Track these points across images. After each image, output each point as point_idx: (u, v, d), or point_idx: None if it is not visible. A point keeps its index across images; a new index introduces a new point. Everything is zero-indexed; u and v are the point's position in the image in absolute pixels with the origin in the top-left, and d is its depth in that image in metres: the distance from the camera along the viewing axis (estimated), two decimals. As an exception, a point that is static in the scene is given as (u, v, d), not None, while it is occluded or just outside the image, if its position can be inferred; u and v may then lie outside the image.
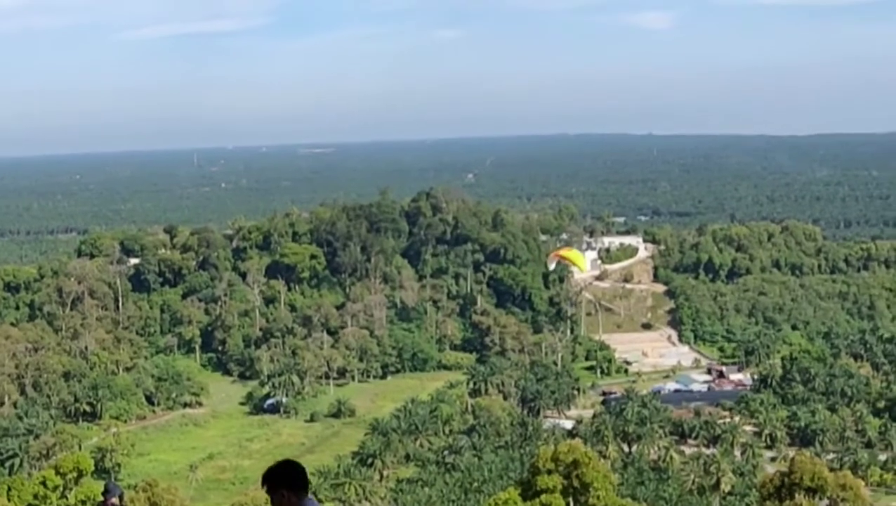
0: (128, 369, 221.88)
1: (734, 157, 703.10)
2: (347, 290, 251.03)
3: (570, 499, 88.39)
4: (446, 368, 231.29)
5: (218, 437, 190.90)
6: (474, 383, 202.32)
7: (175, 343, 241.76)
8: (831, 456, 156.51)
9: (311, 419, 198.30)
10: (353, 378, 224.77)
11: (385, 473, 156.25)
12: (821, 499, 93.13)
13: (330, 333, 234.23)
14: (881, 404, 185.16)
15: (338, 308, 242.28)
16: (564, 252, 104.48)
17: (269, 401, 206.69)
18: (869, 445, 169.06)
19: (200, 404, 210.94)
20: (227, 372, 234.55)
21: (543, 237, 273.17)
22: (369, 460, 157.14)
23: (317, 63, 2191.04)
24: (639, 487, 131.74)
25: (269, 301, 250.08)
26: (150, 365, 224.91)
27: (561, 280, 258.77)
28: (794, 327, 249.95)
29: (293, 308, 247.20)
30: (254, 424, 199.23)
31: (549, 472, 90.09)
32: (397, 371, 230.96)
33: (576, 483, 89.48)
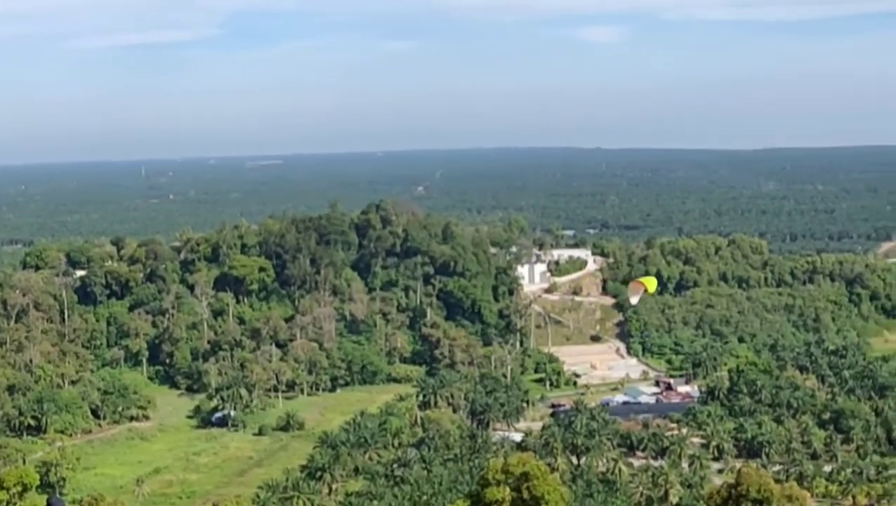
0: (73, 383, 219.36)
1: (682, 171, 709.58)
2: (296, 302, 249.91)
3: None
4: (396, 380, 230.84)
5: (165, 451, 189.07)
6: (424, 396, 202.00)
7: (122, 356, 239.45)
8: (777, 468, 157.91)
9: (260, 433, 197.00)
10: (302, 391, 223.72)
11: (334, 486, 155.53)
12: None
13: (279, 345, 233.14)
14: (826, 416, 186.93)
15: (287, 321, 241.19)
16: (644, 280, 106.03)
17: (217, 414, 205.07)
18: (814, 456, 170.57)
19: (147, 418, 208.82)
20: (175, 385, 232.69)
21: (493, 250, 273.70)
22: (318, 474, 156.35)
23: (267, 75, 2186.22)
24: (587, 499, 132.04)
25: (218, 314, 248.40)
26: (95, 378, 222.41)
27: (510, 293, 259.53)
28: (740, 340, 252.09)
29: (242, 321, 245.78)
30: (201, 437, 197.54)
31: (499, 484, 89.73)
32: (346, 384, 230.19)
33: (526, 496, 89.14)
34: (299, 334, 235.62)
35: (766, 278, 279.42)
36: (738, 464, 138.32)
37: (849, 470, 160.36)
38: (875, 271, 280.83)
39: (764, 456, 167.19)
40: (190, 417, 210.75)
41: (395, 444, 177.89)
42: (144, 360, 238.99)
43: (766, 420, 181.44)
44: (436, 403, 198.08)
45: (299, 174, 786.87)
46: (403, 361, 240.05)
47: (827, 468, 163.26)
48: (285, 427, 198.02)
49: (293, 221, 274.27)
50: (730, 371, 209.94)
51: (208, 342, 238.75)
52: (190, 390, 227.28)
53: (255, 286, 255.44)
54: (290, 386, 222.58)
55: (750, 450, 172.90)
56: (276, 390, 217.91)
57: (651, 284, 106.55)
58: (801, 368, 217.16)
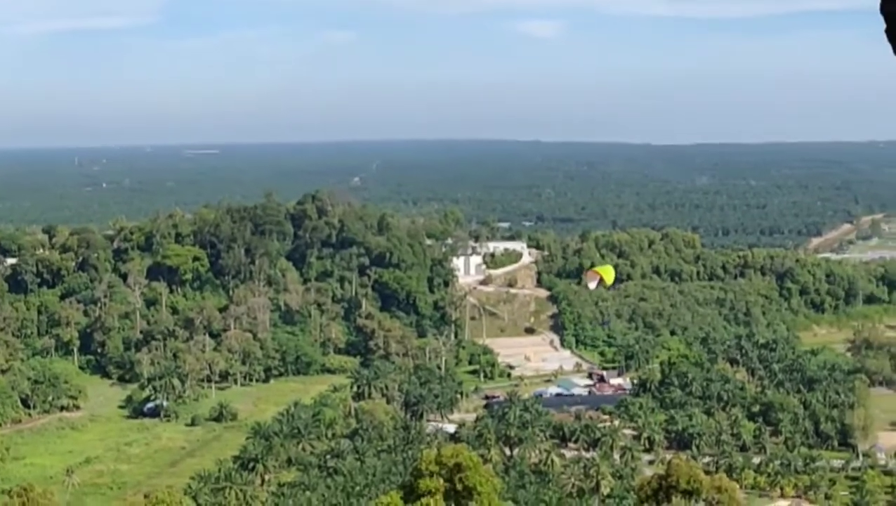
0: (3, 372, 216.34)
1: (617, 165, 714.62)
2: (231, 292, 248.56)
3: (453, 502, 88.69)
4: (330, 371, 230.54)
5: (96, 441, 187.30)
6: (358, 387, 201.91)
7: (52, 345, 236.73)
8: (707, 459, 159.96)
9: (192, 423, 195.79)
10: (235, 382, 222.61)
11: (267, 477, 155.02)
12: (697, 501, 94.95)
13: (212, 335, 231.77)
14: (755, 409, 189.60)
15: (221, 311, 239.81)
16: (599, 269, 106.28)
17: (149, 404, 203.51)
18: (744, 448, 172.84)
19: (78, 408, 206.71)
20: (107, 375, 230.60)
21: (429, 241, 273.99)
22: (251, 465, 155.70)
23: (204, 63, 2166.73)
24: (519, 490, 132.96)
25: (151, 303, 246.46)
26: (26, 367, 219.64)
27: (446, 284, 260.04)
28: (672, 333, 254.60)
29: (175, 311, 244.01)
30: (133, 428, 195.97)
31: (432, 475, 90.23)
32: (280, 375, 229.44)
33: (459, 487, 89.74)
34: (233, 325, 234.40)
35: (698, 272, 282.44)
36: (669, 456, 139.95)
37: (777, 462, 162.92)
38: (805, 266, 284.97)
39: (694, 448, 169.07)
40: (122, 407, 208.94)
41: (329, 435, 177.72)
42: (76, 349, 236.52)
43: (696, 412, 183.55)
44: (370, 394, 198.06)
45: (236, 164, 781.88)
46: (338, 351, 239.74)
47: (756, 460, 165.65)
48: (218, 418, 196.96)
49: (228, 211, 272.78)
50: (661, 364, 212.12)
51: (141, 332, 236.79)
52: (122, 379, 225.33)
53: (188, 276, 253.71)
54: (224, 376, 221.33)
55: (680, 442, 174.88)
56: (209, 380, 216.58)
57: (609, 275, 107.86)
58: (732, 361, 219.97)
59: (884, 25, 4.41)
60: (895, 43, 4.38)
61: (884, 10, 4.61)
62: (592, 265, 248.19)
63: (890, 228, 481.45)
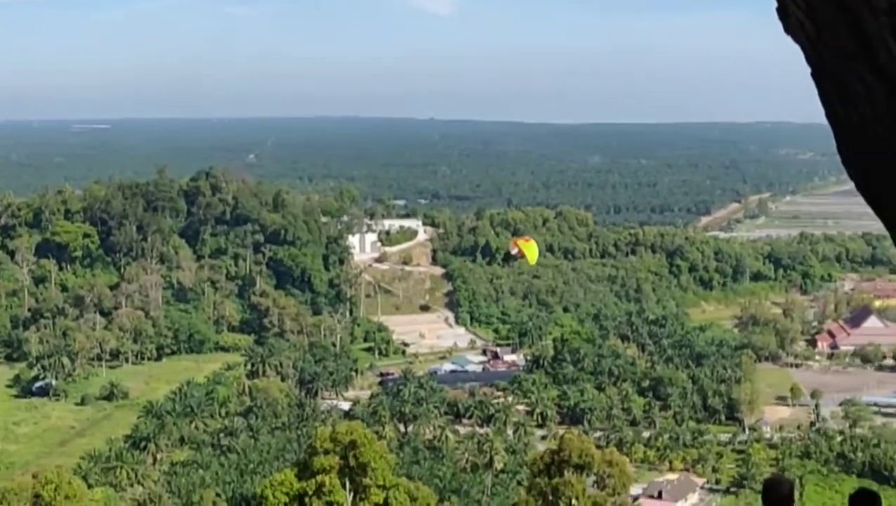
0: None
1: (513, 143, 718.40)
2: (122, 270, 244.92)
3: (347, 479, 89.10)
4: (224, 349, 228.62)
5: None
6: (252, 365, 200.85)
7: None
8: (599, 434, 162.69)
9: (82, 402, 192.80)
10: (126, 360, 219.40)
11: (159, 456, 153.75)
12: (588, 475, 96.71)
13: (103, 313, 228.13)
14: (646, 384, 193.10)
15: (112, 288, 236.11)
16: (526, 246, 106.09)
17: (38, 384, 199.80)
18: (634, 423, 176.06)
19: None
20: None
21: (324, 219, 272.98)
22: (142, 444, 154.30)
23: (95, 36, 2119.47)
24: (414, 466, 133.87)
25: (39, 281, 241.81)
26: None
27: (341, 262, 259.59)
28: (565, 310, 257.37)
29: (64, 288, 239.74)
30: (21, 407, 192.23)
31: (327, 452, 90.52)
32: (173, 353, 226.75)
33: (353, 463, 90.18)
34: (125, 302, 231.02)
35: (590, 250, 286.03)
36: (561, 431, 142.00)
37: (666, 436, 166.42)
38: (694, 244, 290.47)
39: (586, 423, 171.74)
40: (9, 386, 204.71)
41: (223, 413, 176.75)
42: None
43: (588, 388, 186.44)
44: (264, 372, 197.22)
45: (128, 139, 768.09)
46: (232, 329, 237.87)
47: (646, 434, 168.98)
48: (109, 397, 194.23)
49: (120, 187, 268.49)
50: (554, 340, 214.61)
51: (29, 310, 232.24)
52: (9, 358, 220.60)
53: (79, 253, 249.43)
54: (115, 355, 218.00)
55: (573, 417, 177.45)
56: (99, 359, 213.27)
57: (532, 253, 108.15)
58: (623, 338, 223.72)
59: (775, 4, 4.75)
60: (785, 21, 4.74)
61: None
62: (476, 244, 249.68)
63: (776, 207, 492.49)
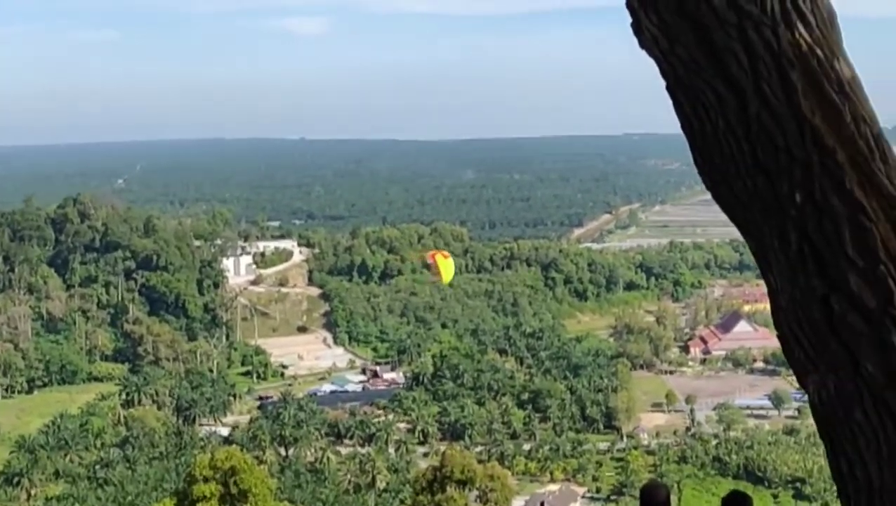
0: None
1: (386, 161, 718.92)
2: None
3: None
4: (97, 379, 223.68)
5: None
6: (127, 394, 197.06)
7: None
8: (480, 448, 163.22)
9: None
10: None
11: (33, 492, 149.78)
12: (470, 490, 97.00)
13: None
14: (525, 396, 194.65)
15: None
16: (441, 257, 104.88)
17: None
18: (514, 436, 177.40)
19: None
20: None
21: (197, 243, 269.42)
22: (15, 480, 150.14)
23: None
24: (296, 489, 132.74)
25: None
26: None
27: (216, 286, 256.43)
28: (444, 326, 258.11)
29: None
30: None
31: (206, 480, 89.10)
32: (45, 385, 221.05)
33: (234, 490, 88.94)
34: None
35: (466, 265, 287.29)
36: (443, 447, 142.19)
37: (546, 447, 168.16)
38: (568, 256, 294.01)
39: (467, 438, 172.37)
40: None
41: (98, 444, 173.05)
42: None
43: (468, 403, 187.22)
44: (140, 401, 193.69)
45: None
46: (105, 359, 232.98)
47: (526, 447, 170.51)
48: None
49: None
50: (433, 357, 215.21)
51: None
52: None
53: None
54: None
55: (454, 432, 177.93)
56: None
57: (447, 271, 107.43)
58: (501, 352, 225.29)
59: (630, 20, 4.92)
60: (640, 36, 4.89)
61: (628, 4, 4.92)
62: (352, 263, 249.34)
63: (646, 217, 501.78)
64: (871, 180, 4.36)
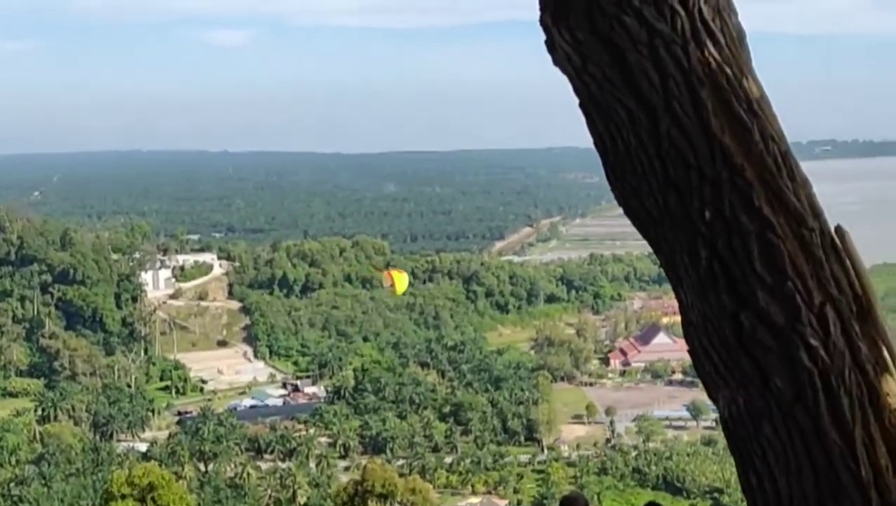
0: None
1: (307, 174, 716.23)
2: None
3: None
4: (12, 395, 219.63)
5: None
6: (43, 410, 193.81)
7: None
8: (402, 462, 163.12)
9: None
10: None
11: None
12: (392, 504, 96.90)
13: None
14: (447, 409, 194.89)
15: None
16: (397, 276, 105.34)
17: None
18: (436, 449, 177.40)
19: None
20: None
21: (115, 256, 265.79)
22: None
23: None
24: (216, 505, 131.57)
25: None
26: None
27: (134, 300, 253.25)
28: (365, 339, 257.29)
29: None
30: None
31: (124, 497, 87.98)
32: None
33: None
34: None
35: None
36: (364, 461, 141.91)
37: (468, 460, 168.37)
38: (490, 269, 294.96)
39: (388, 451, 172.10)
40: None
41: (13, 462, 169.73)
42: None
43: (390, 416, 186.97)
44: (56, 417, 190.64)
45: None
46: (20, 374, 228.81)
47: (448, 460, 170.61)
48: None
49: None
50: (355, 370, 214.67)
51: None
52: None
53: None
54: None
55: (375, 446, 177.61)
56: None
57: (401, 283, 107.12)
58: (423, 365, 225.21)
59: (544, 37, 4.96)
60: (553, 53, 4.93)
61: (541, 21, 4.97)
62: (272, 276, 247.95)
63: (567, 230, 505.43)
64: (780, 197, 4.53)
